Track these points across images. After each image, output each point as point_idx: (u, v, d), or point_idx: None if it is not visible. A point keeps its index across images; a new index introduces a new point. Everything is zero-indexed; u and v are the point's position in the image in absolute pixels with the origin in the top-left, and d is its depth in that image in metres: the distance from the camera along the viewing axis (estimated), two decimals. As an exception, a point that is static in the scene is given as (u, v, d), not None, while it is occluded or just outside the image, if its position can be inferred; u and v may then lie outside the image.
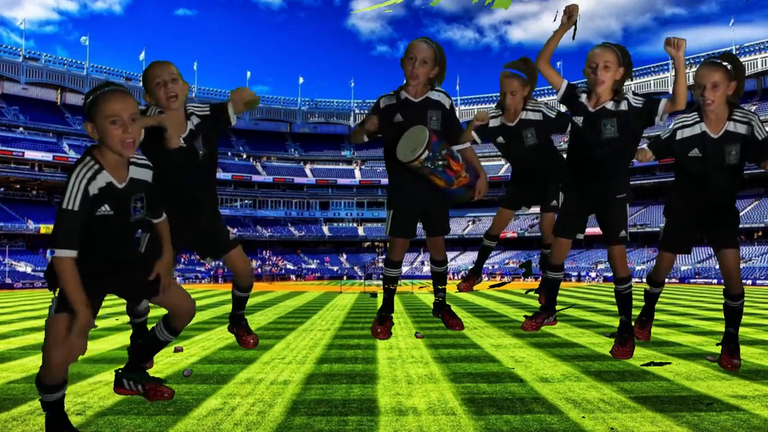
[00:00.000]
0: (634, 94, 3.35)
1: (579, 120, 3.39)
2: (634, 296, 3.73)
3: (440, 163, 3.30)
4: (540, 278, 4.55)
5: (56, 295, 2.61)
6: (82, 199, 2.51)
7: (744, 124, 3.30)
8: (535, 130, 3.87)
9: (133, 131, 2.57)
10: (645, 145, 3.52)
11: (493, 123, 3.95)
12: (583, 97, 3.40)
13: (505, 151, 4.01)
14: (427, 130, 3.30)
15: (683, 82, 3.18)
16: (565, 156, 4.10)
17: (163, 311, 3.01)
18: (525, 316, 4.09)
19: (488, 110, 3.98)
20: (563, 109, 3.72)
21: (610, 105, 3.31)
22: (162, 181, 3.10)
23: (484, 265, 4.62)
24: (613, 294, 3.74)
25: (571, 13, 3.26)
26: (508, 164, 4.26)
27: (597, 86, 3.30)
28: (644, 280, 4.09)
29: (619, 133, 3.30)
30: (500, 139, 3.95)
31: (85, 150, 2.68)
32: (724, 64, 3.30)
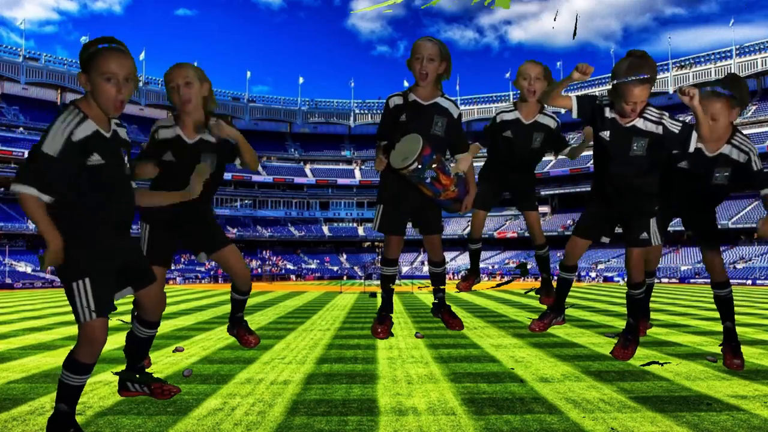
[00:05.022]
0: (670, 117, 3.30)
1: (605, 135, 3.33)
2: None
3: (429, 174, 3.34)
4: (540, 278, 4.56)
5: (85, 302, 2.57)
6: (64, 146, 2.47)
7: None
8: (545, 135, 3.96)
9: (126, 91, 2.60)
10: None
11: (507, 117, 4.00)
12: (607, 111, 3.32)
13: (505, 147, 4.02)
14: (421, 141, 3.29)
15: (705, 124, 3.22)
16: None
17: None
18: (531, 319, 4.10)
19: (501, 107, 4.10)
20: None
21: (640, 123, 3.26)
22: (164, 180, 3.17)
23: (484, 265, 4.65)
24: (613, 294, 3.76)
25: (585, 72, 3.17)
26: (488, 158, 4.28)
27: (630, 114, 3.25)
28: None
29: (646, 153, 3.28)
30: (507, 133, 3.97)
31: (69, 102, 2.64)
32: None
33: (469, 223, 4.51)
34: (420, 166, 3.28)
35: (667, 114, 3.28)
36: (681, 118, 3.42)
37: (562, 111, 3.49)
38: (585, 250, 3.75)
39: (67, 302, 2.65)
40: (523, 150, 3.99)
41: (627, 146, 3.28)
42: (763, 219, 3.37)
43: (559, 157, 4.59)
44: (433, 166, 3.32)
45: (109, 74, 2.54)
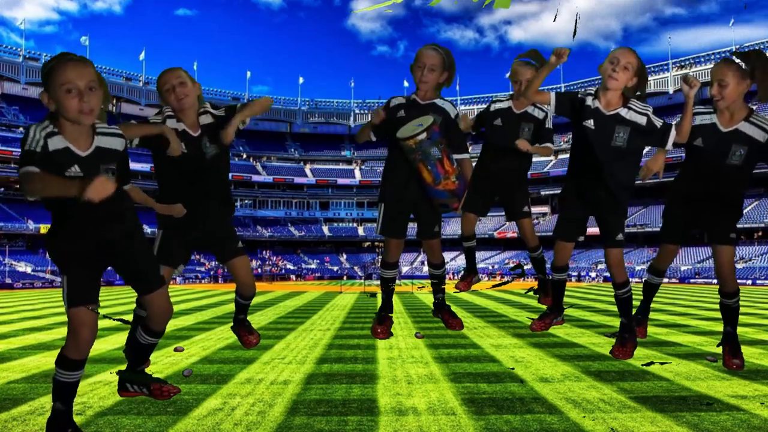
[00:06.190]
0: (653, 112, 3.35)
1: (590, 123, 3.34)
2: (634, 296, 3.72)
3: (435, 153, 3.27)
4: (537, 278, 4.56)
5: (64, 294, 2.63)
6: (44, 145, 2.46)
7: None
8: (534, 126, 3.95)
9: (90, 100, 2.50)
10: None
11: (500, 105, 4.02)
12: (590, 100, 3.36)
13: (495, 135, 4.03)
14: (432, 119, 3.31)
15: (689, 120, 3.23)
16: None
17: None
18: (531, 319, 4.10)
19: (498, 96, 4.09)
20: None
21: (624, 112, 3.30)
22: (171, 179, 3.21)
23: (485, 265, 4.66)
24: (613, 294, 3.74)
25: (561, 55, 3.24)
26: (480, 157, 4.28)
27: (609, 83, 3.27)
28: (644, 279, 4.11)
29: (628, 143, 3.30)
30: (498, 122, 4.00)
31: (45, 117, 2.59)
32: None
33: (469, 223, 4.49)
34: (428, 139, 3.23)
35: (651, 108, 3.32)
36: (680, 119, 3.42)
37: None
38: (572, 250, 3.79)
39: None
40: (508, 139, 3.98)
41: (610, 135, 3.30)
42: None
43: (560, 157, 4.57)
44: (440, 145, 3.29)
45: (69, 84, 2.45)
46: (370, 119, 3.65)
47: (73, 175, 2.53)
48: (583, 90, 3.46)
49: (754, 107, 3.57)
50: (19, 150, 2.51)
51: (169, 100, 3.16)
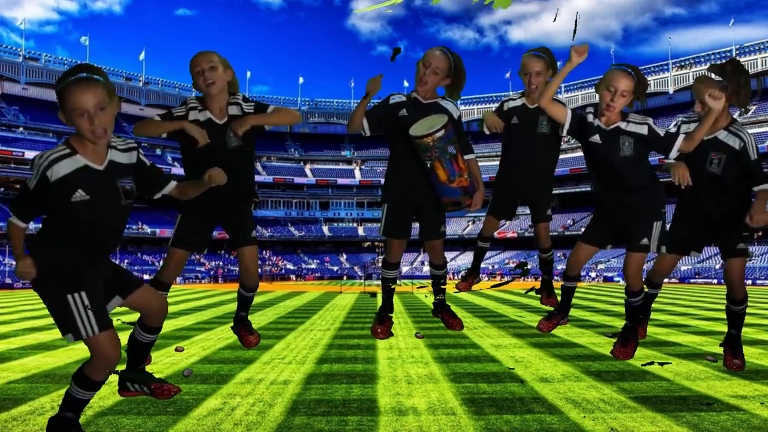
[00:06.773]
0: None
1: (596, 138, 3.37)
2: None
3: (451, 150, 3.25)
4: (540, 278, 4.57)
5: (89, 315, 2.61)
6: (39, 180, 2.55)
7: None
8: (551, 120, 3.89)
9: (101, 121, 2.57)
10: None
11: (513, 104, 3.98)
12: (590, 117, 3.40)
13: (514, 134, 3.97)
14: (446, 118, 3.31)
15: (705, 131, 3.26)
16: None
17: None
18: (541, 320, 4.09)
19: (509, 95, 4.10)
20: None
21: (624, 125, 3.33)
22: (194, 167, 3.22)
23: (485, 265, 4.67)
24: (613, 294, 3.74)
25: (582, 52, 3.18)
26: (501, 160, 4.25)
27: (607, 111, 3.31)
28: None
29: (635, 151, 3.33)
30: (514, 119, 3.93)
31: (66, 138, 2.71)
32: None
33: (470, 223, 4.52)
34: (446, 136, 3.22)
35: (650, 120, 3.36)
36: (680, 118, 3.44)
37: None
38: (589, 258, 3.75)
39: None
40: (529, 135, 3.92)
41: (617, 146, 3.33)
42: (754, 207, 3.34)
43: (561, 157, 4.53)
44: (455, 143, 3.28)
45: (79, 110, 2.54)
46: (360, 102, 3.54)
47: (79, 200, 2.59)
48: (583, 108, 3.49)
49: (752, 109, 3.59)
50: (18, 150, 2.59)
51: (198, 83, 3.22)
